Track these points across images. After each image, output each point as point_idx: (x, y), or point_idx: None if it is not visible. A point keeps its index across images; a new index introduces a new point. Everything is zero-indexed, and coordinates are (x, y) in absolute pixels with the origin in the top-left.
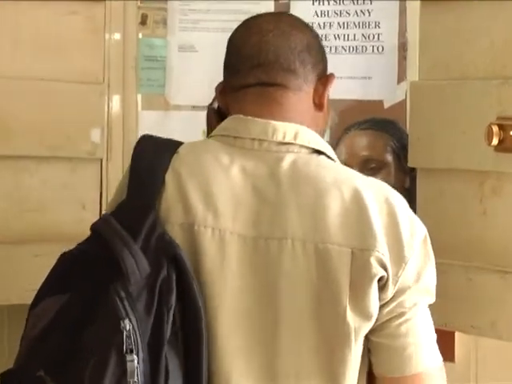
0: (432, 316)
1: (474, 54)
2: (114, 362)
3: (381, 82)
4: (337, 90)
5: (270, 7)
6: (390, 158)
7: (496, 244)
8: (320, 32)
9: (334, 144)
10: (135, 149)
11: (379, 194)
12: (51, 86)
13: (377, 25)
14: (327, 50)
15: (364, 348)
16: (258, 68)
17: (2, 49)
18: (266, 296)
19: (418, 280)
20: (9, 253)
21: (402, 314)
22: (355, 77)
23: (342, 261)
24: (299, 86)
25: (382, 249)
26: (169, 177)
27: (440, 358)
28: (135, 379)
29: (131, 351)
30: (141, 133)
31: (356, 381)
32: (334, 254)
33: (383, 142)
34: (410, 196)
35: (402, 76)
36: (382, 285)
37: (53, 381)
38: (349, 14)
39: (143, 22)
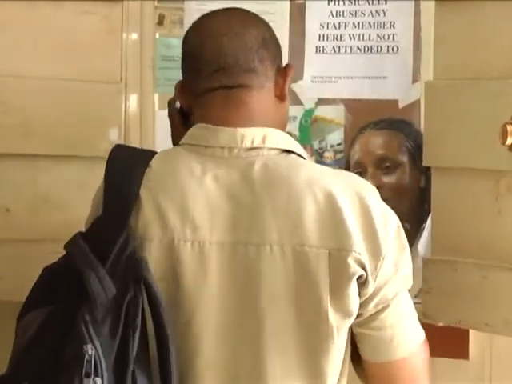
0: (446, 314)
1: (488, 54)
2: None
3: (395, 82)
4: (352, 90)
5: (285, 7)
6: (405, 157)
7: (510, 242)
8: (335, 32)
9: (349, 143)
10: (108, 161)
11: (351, 189)
12: (69, 86)
13: (392, 25)
14: (342, 50)
15: (347, 339)
16: (219, 72)
17: (21, 49)
18: (247, 303)
19: (396, 271)
20: (28, 251)
21: (386, 307)
22: (370, 77)
23: (320, 262)
24: (261, 83)
25: (358, 248)
26: (143, 192)
27: (422, 333)
28: None
29: (90, 374)
30: (158, 132)
31: (339, 370)
32: (311, 256)
33: (398, 141)
34: (425, 195)
35: (416, 76)
36: (362, 282)
37: None
38: (364, 15)
39: (160, 22)
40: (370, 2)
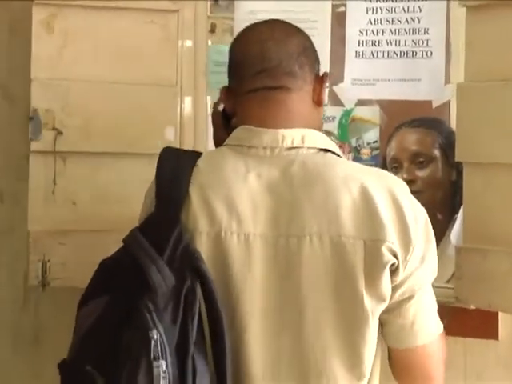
0: (477, 298)
1: None
2: (144, 368)
3: (429, 84)
4: (389, 92)
5: (327, 15)
6: (437, 153)
7: None
8: (373, 38)
9: (384, 141)
10: (158, 162)
11: (383, 185)
12: (129, 89)
13: (426, 31)
14: (380, 54)
15: (378, 324)
16: (261, 74)
17: (85, 55)
18: (289, 290)
19: (422, 262)
20: (91, 240)
21: (411, 297)
22: (406, 79)
23: (356, 252)
24: (300, 87)
25: (391, 238)
26: (192, 189)
27: (440, 326)
28: (162, 382)
29: (158, 358)
30: (211, 130)
31: (374, 353)
32: (348, 246)
33: (432, 138)
34: (457, 188)
35: (448, 78)
36: (394, 269)
37: (100, 375)
38: (400, 22)
39: (212, 30)
40: (406, 10)
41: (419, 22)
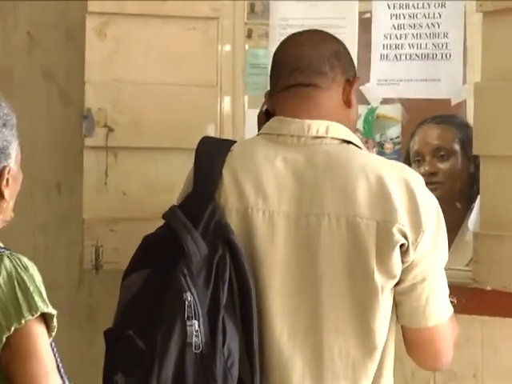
0: (493, 279)
1: None
2: (178, 326)
3: (448, 84)
4: (411, 91)
5: (354, 22)
6: (457, 147)
7: None
8: (397, 42)
9: (406, 137)
10: (197, 149)
11: (399, 175)
12: (174, 89)
13: (445, 35)
14: (403, 57)
15: (392, 303)
16: (295, 71)
17: (134, 59)
18: (308, 263)
19: (434, 247)
20: (140, 227)
21: (424, 280)
22: (427, 79)
23: (369, 231)
24: (329, 85)
25: (402, 220)
26: (225, 171)
27: (451, 309)
28: (194, 339)
29: (191, 318)
30: (248, 127)
31: (386, 330)
32: (362, 226)
33: (452, 133)
34: (474, 179)
35: (465, 79)
36: (404, 250)
37: (138, 338)
38: (421, 27)
39: (249, 35)
40: (427, 16)
41: (439, 27)
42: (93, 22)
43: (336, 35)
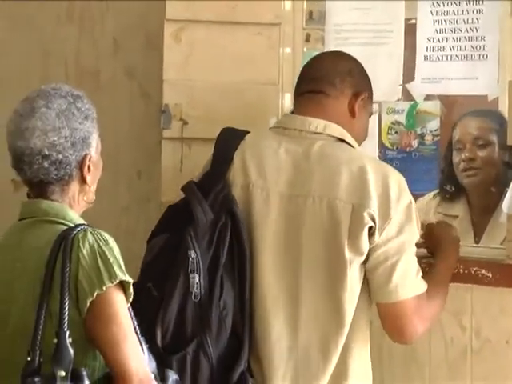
0: None
1: None
2: (182, 278)
3: (485, 82)
4: (452, 88)
5: (401, 26)
6: (494, 138)
7: None
8: (439, 45)
9: (447, 128)
10: (218, 137)
11: (379, 170)
12: (241, 87)
13: (482, 38)
14: (444, 58)
15: (361, 279)
16: (312, 81)
17: (207, 61)
18: (293, 236)
19: (399, 233)
20: None
21: (386, 259)
22: (466, 78)
23: (345, 212)
24: (337, 95)
25: (373, 207)
26: (236, 155)
27: (418, 289)
28: (195, 290)
29: (194, 271)
30: None
31: (354, 300)
32: (339, 207)
33: (489, 125)
34: (508, 166)
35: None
36: (372, 232)
37: (155, 289)
38: (461, 31)
39: (307, 39)
40: (466, 22)
41: (477, 31)
42: (170, 27)
43: (385, 39)
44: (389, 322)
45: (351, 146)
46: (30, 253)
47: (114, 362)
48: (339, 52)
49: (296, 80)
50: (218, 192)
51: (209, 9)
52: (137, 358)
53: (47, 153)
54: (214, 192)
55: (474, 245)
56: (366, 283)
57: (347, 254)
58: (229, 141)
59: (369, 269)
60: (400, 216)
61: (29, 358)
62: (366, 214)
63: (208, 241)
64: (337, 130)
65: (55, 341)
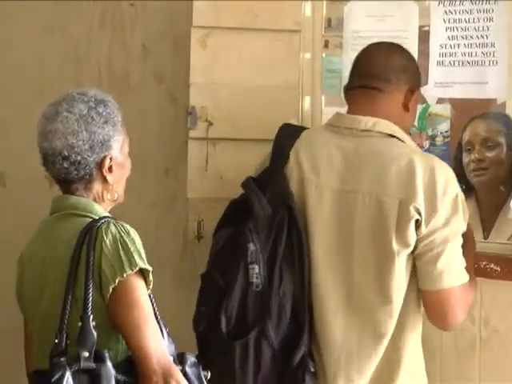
0: None
1: None
2: (242, 269)
3: (495, 86)
4: (463, 92)
5: (415, 33)
6: (502, 139)
7: None
8: (451, 51)
9: (458, 130)
10: (277, 133)
11: (427, 164)
12: (263, 90)
13: (492, 45)
14: (456, 63)
15: (410, 270)
16: (366, 76)
17: (231, 65)
18: (344, 229)
19: (445, 225)
20: None
21: (432, 248)
22: (477, 82)
23: (392, 208)
24: (391, 91)
25: (419, 201)
26: (292, 152)
27: (462, 278)
28: (255, 280)
29: (253, 263)
30: (324, 122)
31: (402, 288)
32: (387, 203)
33: (498, 128)
34: None
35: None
36: (418, 225)
37: (220, 277)
38: (472, 38)
39: (326, 45)
40: (477, 29)
41: (487, 38)
42: (197, 34)
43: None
44: (432, 308)
45: (401, 140)
46: (58, 244)
47: (135, 343)
48: (391, 45)
49: (314, 83)
50: (276, 187)
51: (233, 16)
52: (156, 340)
53: (66, 154)
54: (273, 187)
55: (483, 240)
56: (415, 273)
57: (395, 246)
58: (286, 138)
59: (416, 257)
60: (446, 208)
61: (56, 340)
62: (412, 208)
63: (266, 234)
64: (387, 126)
65: (80, 324)
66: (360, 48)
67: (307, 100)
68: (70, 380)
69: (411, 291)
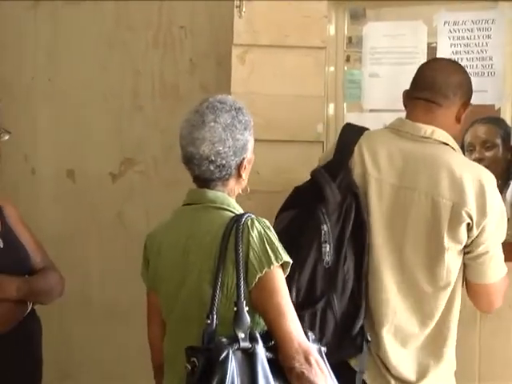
0: None
1: None
2: (315, 247)
3: (493, 94)
4: None
5: (424, 49)
6: (499, 140)
7: None
8: None
9: (463, 132)
10: (341, 130)
11: (476, 173)
12: (293, 99)
13: (491, 58)
14: None
15: (459, 265)
16: (427, 90)
17: (266, 77)
18: (400, 223)
19: (496, 229)
20: (271, 198)
21: (487, 252)
22: (477, 90)
23: (445, 209)
24: (449, 106)
25: (470, 206)
26: (356, 148)
27: (503, 271)
28: (326, 257)
29: (326, 242)
30: None
31: (451, 280)
32: (442, 204)
33: (495, 130)
34: (511, 164)
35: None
36: (470, 228)
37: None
38: (473, 53)
39: (347, 59)
40: (477, 45)
41: (486, 52)
42: (236, 51)
43: (411, 59)
44: (480, 297)
45: (453, 148)
46: (203, 233)
47: (278, 326)
48: (450, 62)
49: (337, 92)
50: (342, 177)
51: (267, 36)
52: (296, 325)
53: (213, 159)
54: (340, 177)
55: None
56: (461, 267)
57: (446, 243)
58: (349, 135)
59: (471, 257)
60: (495, 214)
61: (208, 321)
62: (463, 212)
63: (336, 217)
64: (442, 135)
65: (235, 309)
66: (377, 61)
67: (331, 107)
68: (233, 358)
69: (457, 282)
